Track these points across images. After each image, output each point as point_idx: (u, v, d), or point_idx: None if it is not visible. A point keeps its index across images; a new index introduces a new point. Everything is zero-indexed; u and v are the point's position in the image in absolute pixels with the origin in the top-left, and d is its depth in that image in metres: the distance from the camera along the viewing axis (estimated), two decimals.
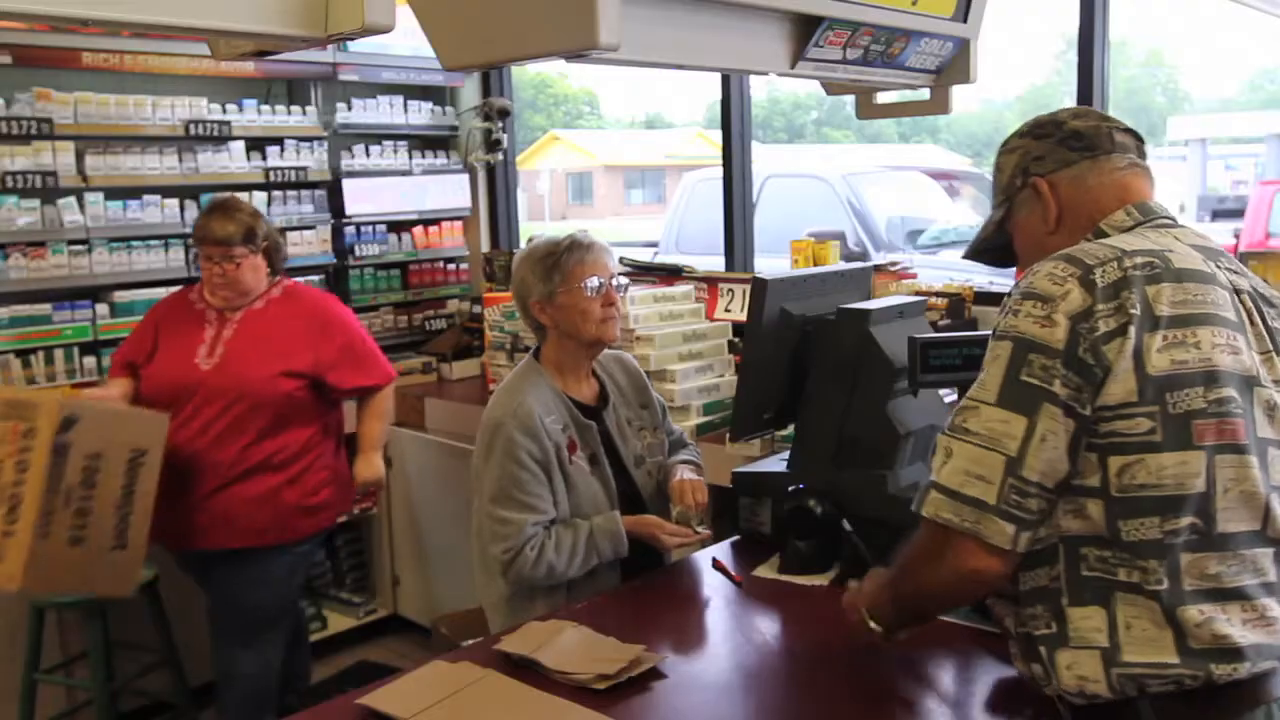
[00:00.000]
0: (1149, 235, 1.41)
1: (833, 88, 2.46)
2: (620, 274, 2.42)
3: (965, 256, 1.71)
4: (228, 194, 3.49)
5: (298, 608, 3.44)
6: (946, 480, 1.35)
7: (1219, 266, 1.40)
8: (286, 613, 3.24)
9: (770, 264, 4.34)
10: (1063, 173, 1.49)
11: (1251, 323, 1.38)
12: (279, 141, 4.26)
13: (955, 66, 2.35)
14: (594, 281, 2.31)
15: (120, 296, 3.84)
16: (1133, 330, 1.29)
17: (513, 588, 2.28)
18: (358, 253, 4.51)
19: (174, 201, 3.94)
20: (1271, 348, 1.38)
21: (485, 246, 4.94)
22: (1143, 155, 1.54)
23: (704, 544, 2.40)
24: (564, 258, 2.31)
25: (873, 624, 1.61)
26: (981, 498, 1.31)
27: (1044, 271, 1.35)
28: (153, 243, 3.89)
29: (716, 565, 2.28)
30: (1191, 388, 1.29)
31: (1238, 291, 1.39)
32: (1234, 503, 1.31)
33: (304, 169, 4.29)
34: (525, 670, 1.79)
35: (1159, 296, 1.31)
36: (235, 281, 3.08)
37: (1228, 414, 1.30)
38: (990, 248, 1.65)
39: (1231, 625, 1.29)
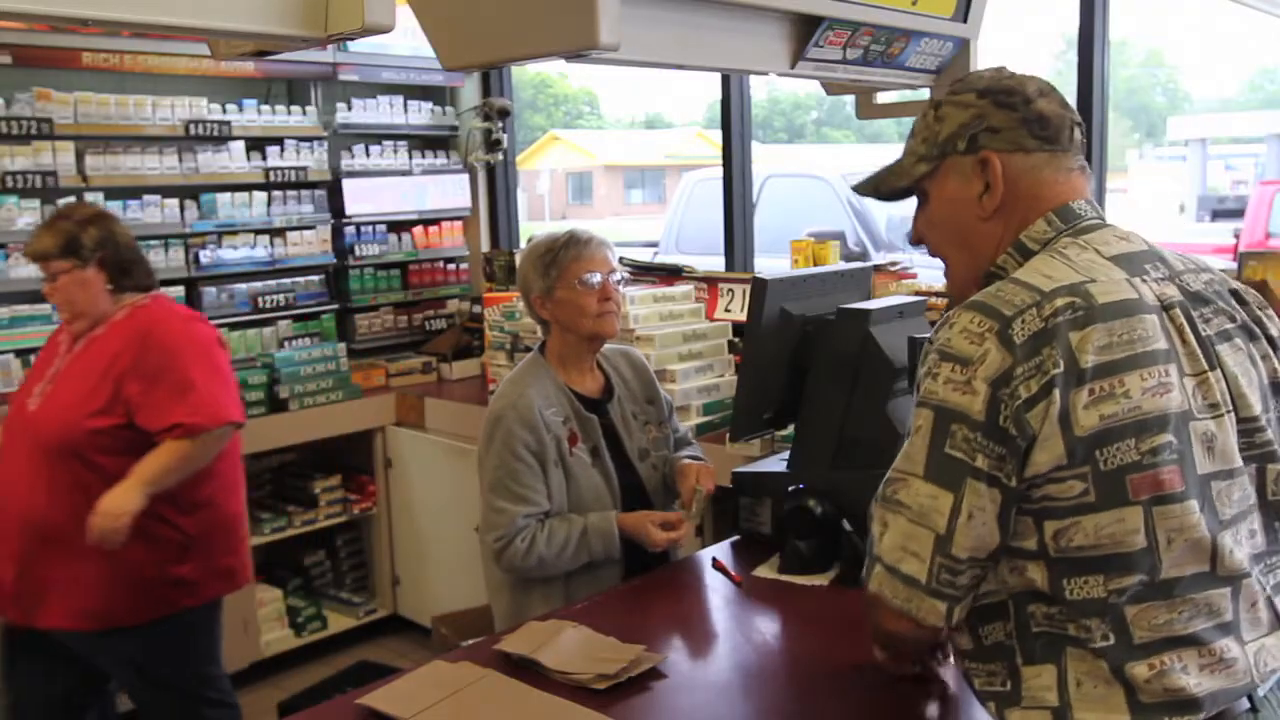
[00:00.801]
0: (1069, 255, 1.30)
1: (833, 88, 2.46)
2: (621, 269, 2.42)
3: (857, 189, 1.53)
4: (71, 200, 3.34)
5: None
6: (885, 554, 1.29)
7: (1145, 279, 1.29)
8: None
9: (770, 264, 4.34)
10: (1017, 158, 1.35)
11: (1184, 342, 1.27)
12: (279, 141, 4.26)
13: (955, 66, 2.36)
14: (590, 277, 2.32)
15: None
16: (1056, 392, 1.20)
17: (510, 575, 2.31)
18: (358, 253, 4.51)
19: (174, 201, 3.95)
20: (1205, 366, 1.27)
21: (485, 246, 4.94)
22: (1084, 151, 1.42)
23: (691, 536, 2.40)
24: (561, 253, 2.33)
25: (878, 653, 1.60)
26: (914, 575, 1.26)
27: (960, 326, 1.25)
28: (153, 243, 3.89)
29: (716, 565, 2.28)
30: (1122, 440, 1.20)
31: (1167, 308, 1.28)
32: (1179, 551, 1.23)
33: (304, 169, 4.29)
34: (525, 670, 1.79)
35: (1084, 345, 1.21)
36: (63, 301, 2.64)
37: (1161, 463, 1.21)
38: (892, 194, 1.48)
39: (1188, 674, 1.22)
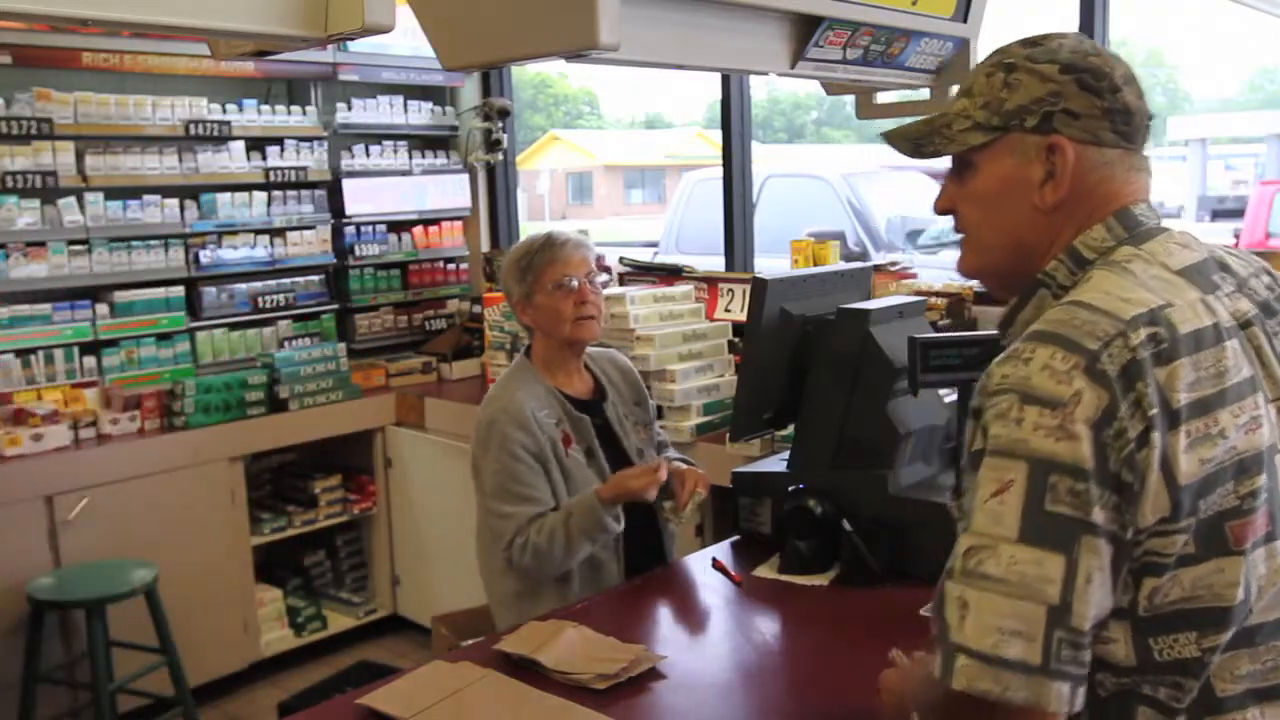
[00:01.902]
0: (1134, 271, 1.16)
1: (833, 88, 2.46)
2: (607, 269, 2.39)
3: (889, 138, 1.35)
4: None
5: None
6: (975, 642, 1.06)
7: (1218, 295, 1.17)
8: None
9: (770, 264, 4.34)
10: (1091, 150, 1.19)
11: (1263, 364, 1.16)
12: (279, 141, 4.26)
13: (955, 66, 2.35)
14: (567, 280, 2.30)
15: (120, 296, 3.85)
16: (1155, 435, 1.06)
17: (520, 584, 2.28)
18: (358, 253, 4.51)
19: (174, 201, 3.95)
20: None
21: (485, 246, 4.94)
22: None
23: (691, 536, 2.39)
24: (536, 258, 2.32)
25: None
26: (1024, 659, 1.05)
27: (1038, 363, 1.08)
28: (152, 243, 3.90)
29: (716, 565, 2.28)
30: (1222, 485, 1.09)
31: (1244, 326, 1.16)
32: (1270, 597, 1.11)
33: (304, 169, 4.30)
34: (525, 670, 1.79)
35: (1172, 382, 1.08)
36: None
37: (1258, 507, 1.10)
38: (932, 155, 1.31)
39: None
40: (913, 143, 1.30)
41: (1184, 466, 1.07)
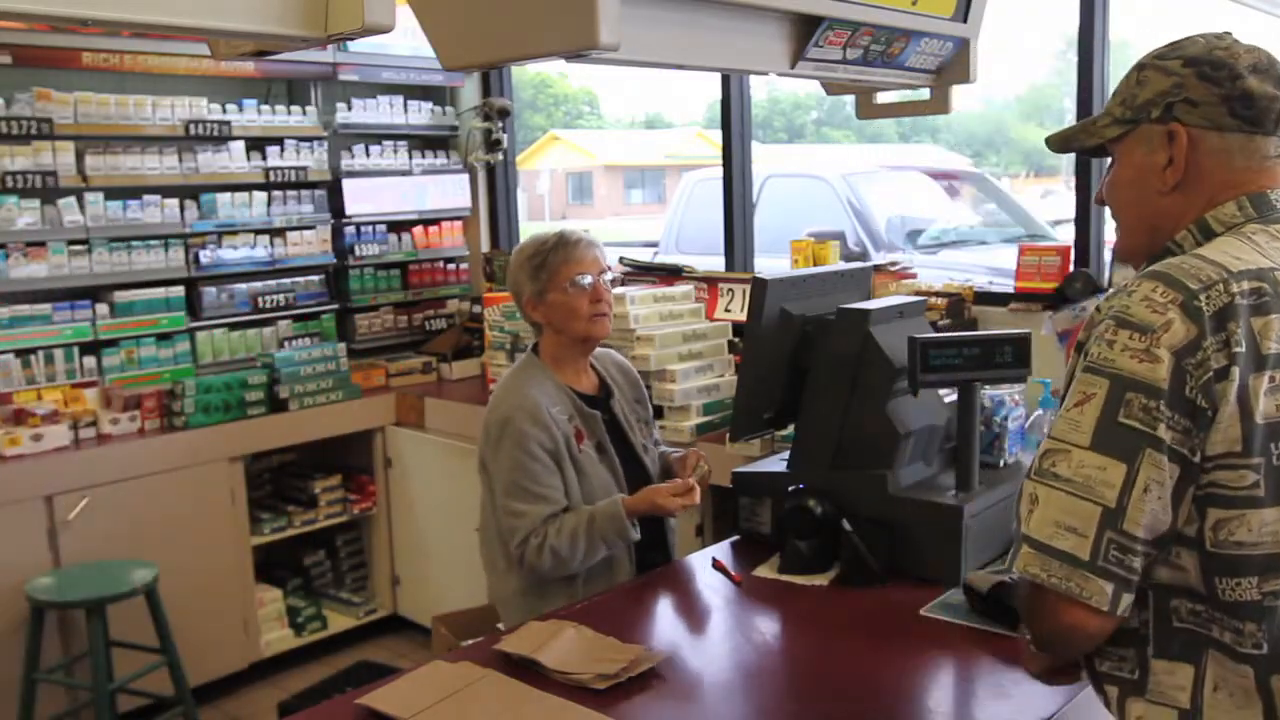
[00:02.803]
0: (1258, 241, 1.24)
1: (833, 88, 2.46)
2: (612, 268, 2.42)
3: (1049, 143, 1.47)
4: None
5: None
6: (1035, 531, 1.19)
7: None
8: None
9: (770, 264, 4.33)
10: (1210, 136, 1.27)
11: None
12: (279, 141, 4.26)
13: (955, 66, 2.35)
14: (581, 279, 2.33)
15: (120, 296, 3.85)
16: (1236, 370, 1.14)
17: (526, 581, 2.29)
18: (358, 253, 4.51)
19: (174, 201, 3.95)
20: None
21: (485, 246, 4.94)
22: None
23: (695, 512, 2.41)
24: (551, 256, 2.34)
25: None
26: (1073, 552, 1.16)
27: (1140, 294, 1.19)
28: (152, 243, 3.90)
29: (716, 565, 2.28)
30: None
31: None
32: None
33: (304, 169, 4.29)
34: (525, 670, 1.79)
35: (1266, 331, 1.16)
36: None
37: None
38: (1081, 151, 1.44)
39: None
40: (1063, 140, 1.43)
41: (1262, 406, 1.15)
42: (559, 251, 2.33)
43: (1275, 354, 1.16)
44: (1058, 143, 1.44)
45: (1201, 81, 1.27)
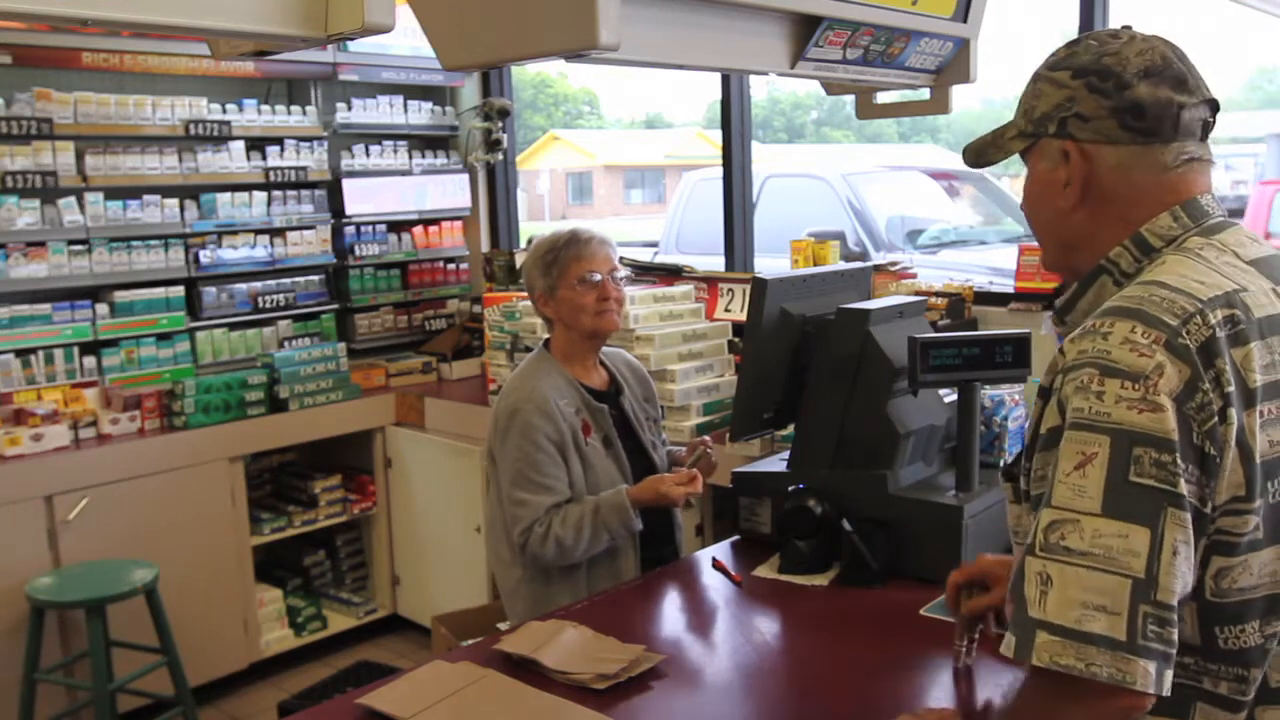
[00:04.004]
0: (1210, 259, 1.18)
1: (833, 88, 2.46)
2: (623, 266, 2.49)
3: (965, 155, 1.40)
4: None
5: None
6: (1057, 616, 1.05)
7: None
8: None
9: (770, 264, 4.34)
10: (1105, 150, 1.21)
11: None
12: (279, 141, 4.26)
13: (955, 66, 2.35)
14: (591, 275, 2.38)
15: (120, 296, 3.85)
16: (1233, 412, 1.08)
17: (531, 570, 2.33)
18: (358, 253, 4.51)
19: (174, 201, 3.95)
20: None
21: (485, 246, 4.94)
22: (1207, 133, 1.26)
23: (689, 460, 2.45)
24: (562, 253, 2.39)
25: None
26: (1108, 634, 1.03)
27: (1118, 336, 1.10)
28: (153, 243, 3.90)
29: (716, 565, 2.28)
30: None
31: None
32: None
33: (304, 169, 4.30)
34: (525, 670, 1.79)
35: (1248, 362, 1.10)
36: None
37: None
38: (992, 164, 1.38)
39: None
40: (975, 153, 1.37)
41: (1259, 444, 1.09)
42: (570, 249, 2.39)
43: (1262, 386, 1.11)
44: (972, 155, 1.37)
45: (1091, 94, 1.21)
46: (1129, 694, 1.04)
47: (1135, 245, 1.22)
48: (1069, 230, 1.27)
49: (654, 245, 7.33)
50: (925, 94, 2.45)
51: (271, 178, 4.20)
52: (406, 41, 4.37)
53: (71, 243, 3.70)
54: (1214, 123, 1.25)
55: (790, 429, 2.51)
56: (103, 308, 3.82)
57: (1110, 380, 1.08)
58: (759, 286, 2.27)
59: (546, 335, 2.50)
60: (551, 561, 2.28)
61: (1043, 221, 1.31)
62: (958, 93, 2.44)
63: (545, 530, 2.25)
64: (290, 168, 4.26)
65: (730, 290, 3.89)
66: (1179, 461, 1.05)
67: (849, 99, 2.58)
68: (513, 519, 2.29)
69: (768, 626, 2.04)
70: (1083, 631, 1.04)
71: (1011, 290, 3.37)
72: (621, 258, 3.25)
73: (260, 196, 4.20)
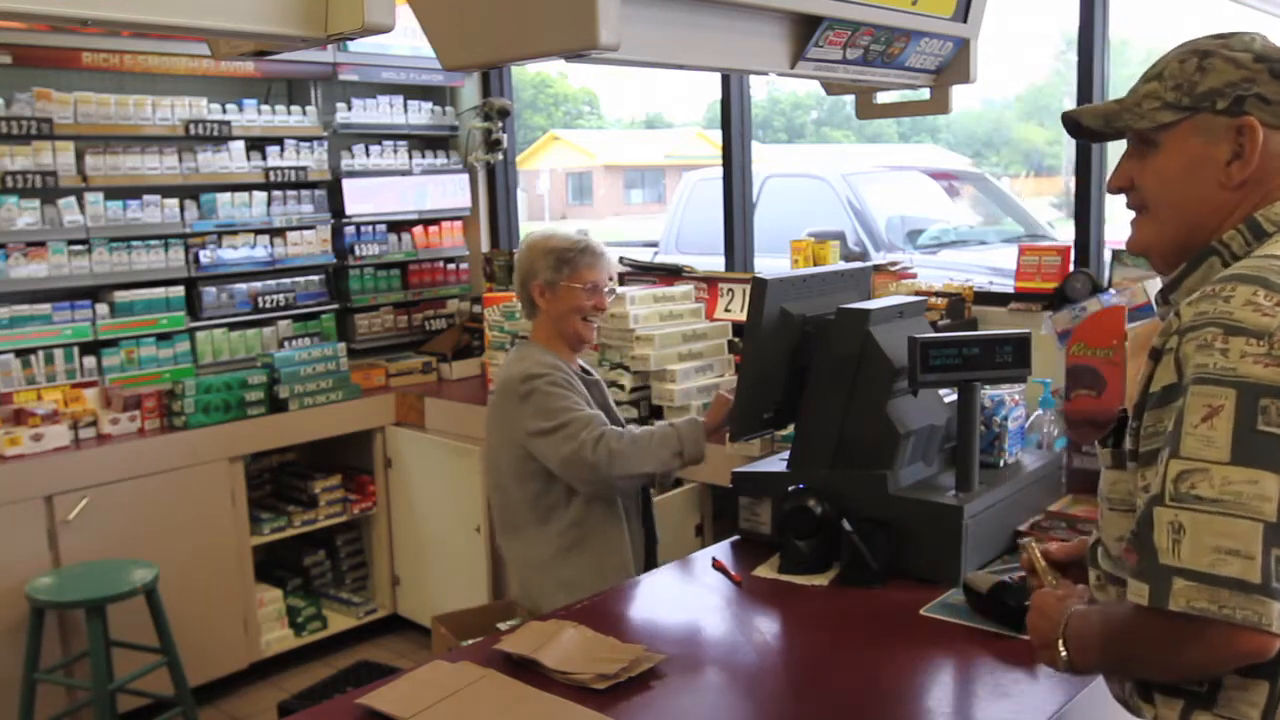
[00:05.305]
0: None
1: (833, 88, 2.46)
2: (614, 282, 2.61)
3: (1076, 115, 1.39)
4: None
5: None
6: (1192, 562, 1.10)
7: None
8: None
9: (770, 264, 4.33)
10: (1275, 136, 1.25)
11: None
12: (279, 141, 4.26)
13: (955, 66, 2.36)
14: (596, 284, 2.51)
15: (120, 296, 3.85)
16: None
17: (562, 539, 2.45)
18: (358, 253, 4.51)
19: (174, 201, 3.95)
20: None
21: (485, 246, 4.94)
22: None
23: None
24: (579, 257, 2.50)
25: (1064, 652, 1.34)
26: (1242, 576, 1.08)
27: (1240, 299, 1.15)
28: (153, 243, 3.90)
29: (716, 565, 2.28)
30: None
31: None
32: None
33: (304, 169, 4.30)
34: (525, 670, 1.79)
35: None
36: None
37: None
38: (1119, 133, 1.36)
39: None
40: (1103, 118, 1.35)
41: None
42: (588, 255, 2.51)
43: None
44: (1099, 120, 1.36)
45: (1275, 79, 1.25)
46: (1256, 635, 1.09)
47: (1249, 228, 1.27)
48: (1209, 208, 1.29)
49: (654, 245, 7.33)
50: (925, 94, 2.45)
51: (271, 178, 4.20)
52: (406, 41, 4.37)
53: (71, 243, 3.70)
54: None
55: (790, 429, 2.51)
56: (103, 308, 3.82)
57: (1235, 338, 1.13)
58: (759, 286, 2.27)
59: (529, 328, 2.62)
60: (603, 470, 2.33)
61: (1183, 198, 1.31)
62: (958, 93, 2.44)
63: (598, 437, 2.33)
64: (290, 168, 4.26)
65: (730, 290, 3.89)
66: None
67: (849, 99, 2.59)
68: (562, 440, 2.35)
69: (768, 626, 2.04)
70: (1217, 575, 1.09)
71: (1011, 290, 3.37)
72: (621, 258, 3.39)
73: (260, 196, 4.20)
